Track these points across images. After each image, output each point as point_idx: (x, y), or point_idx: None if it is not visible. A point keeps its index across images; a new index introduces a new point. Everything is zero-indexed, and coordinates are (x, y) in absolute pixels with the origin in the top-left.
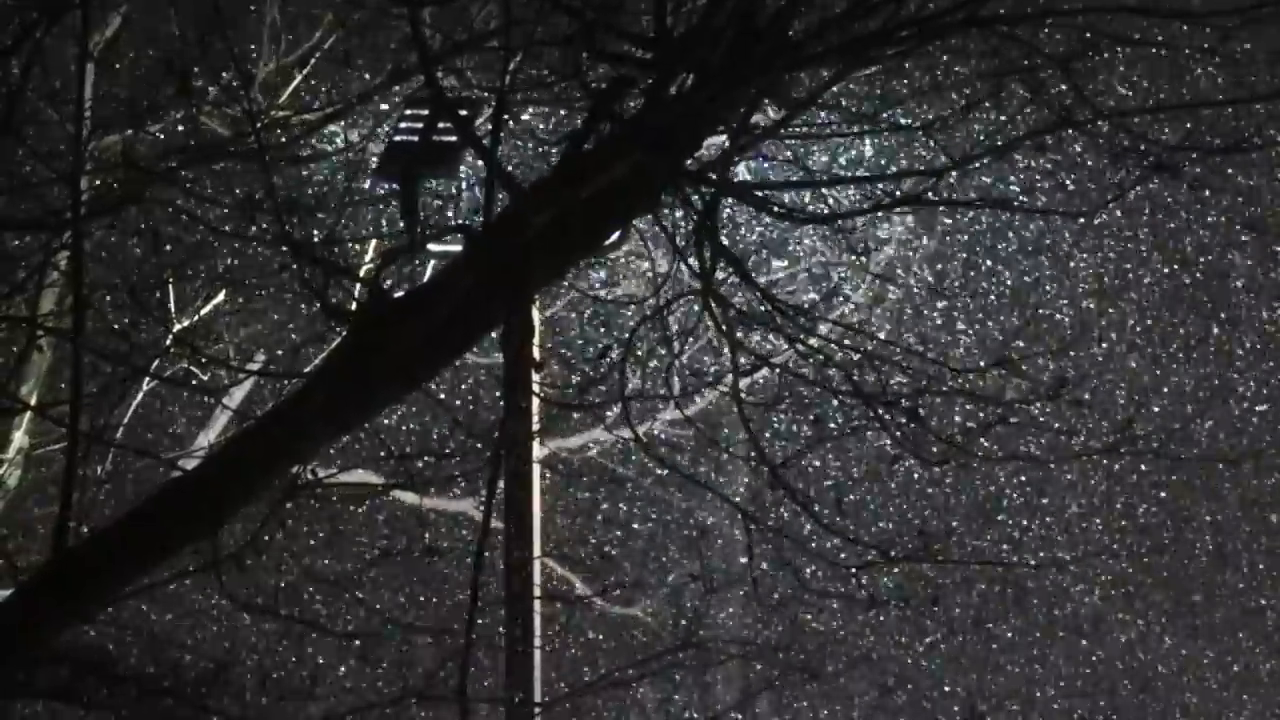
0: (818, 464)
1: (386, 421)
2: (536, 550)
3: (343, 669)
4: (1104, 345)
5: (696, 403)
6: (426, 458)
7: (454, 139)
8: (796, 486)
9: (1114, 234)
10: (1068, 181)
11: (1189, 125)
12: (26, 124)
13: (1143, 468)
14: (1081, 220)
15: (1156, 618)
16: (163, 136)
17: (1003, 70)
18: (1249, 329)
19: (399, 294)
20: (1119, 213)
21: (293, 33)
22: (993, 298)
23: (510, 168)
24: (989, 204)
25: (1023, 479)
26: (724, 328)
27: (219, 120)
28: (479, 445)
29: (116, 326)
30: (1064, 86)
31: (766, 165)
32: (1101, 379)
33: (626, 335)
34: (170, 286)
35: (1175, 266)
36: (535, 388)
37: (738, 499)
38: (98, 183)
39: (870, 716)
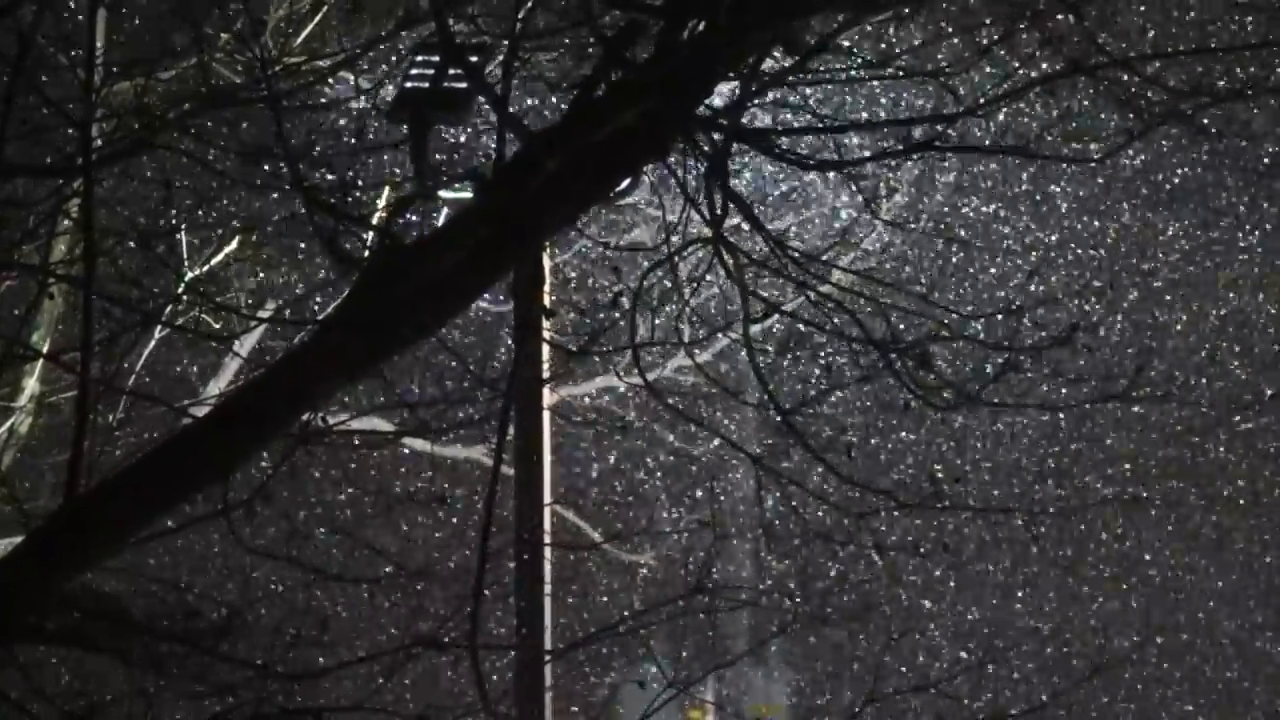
0: (828, 410)
1: (397, 368)
2: (547, 497)
3: (354, 616)
4: (1115, 291)
5: (707, 350)
6: (438, 405)
7: (465, 85)
8: (807, 433)
9: (1128, 179)
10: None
11: (1203, 68)
12: (38, 70)
13: (1156, 414)
14: (1093, 166)
15: (1167, 563)
16: (174, 83)
17: (1014, 15)
18: (1264, 274)
19: (410, 241)
20: (1134, 158)
21: None
22: (1005, 243)
23: (521, 114)
24: (1000, 150)
25: (1034, 426)
26: (735, 274)
27: (230, 67)
28: (490, 392)
29: (128, 274)
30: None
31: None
32: (1114, 325)
33: (637, 282)
34: (182, 234)
35: (1190, 211)
36: (545, 335)
37: (748, 445)
38: (109, 129)
39: (880, 663)
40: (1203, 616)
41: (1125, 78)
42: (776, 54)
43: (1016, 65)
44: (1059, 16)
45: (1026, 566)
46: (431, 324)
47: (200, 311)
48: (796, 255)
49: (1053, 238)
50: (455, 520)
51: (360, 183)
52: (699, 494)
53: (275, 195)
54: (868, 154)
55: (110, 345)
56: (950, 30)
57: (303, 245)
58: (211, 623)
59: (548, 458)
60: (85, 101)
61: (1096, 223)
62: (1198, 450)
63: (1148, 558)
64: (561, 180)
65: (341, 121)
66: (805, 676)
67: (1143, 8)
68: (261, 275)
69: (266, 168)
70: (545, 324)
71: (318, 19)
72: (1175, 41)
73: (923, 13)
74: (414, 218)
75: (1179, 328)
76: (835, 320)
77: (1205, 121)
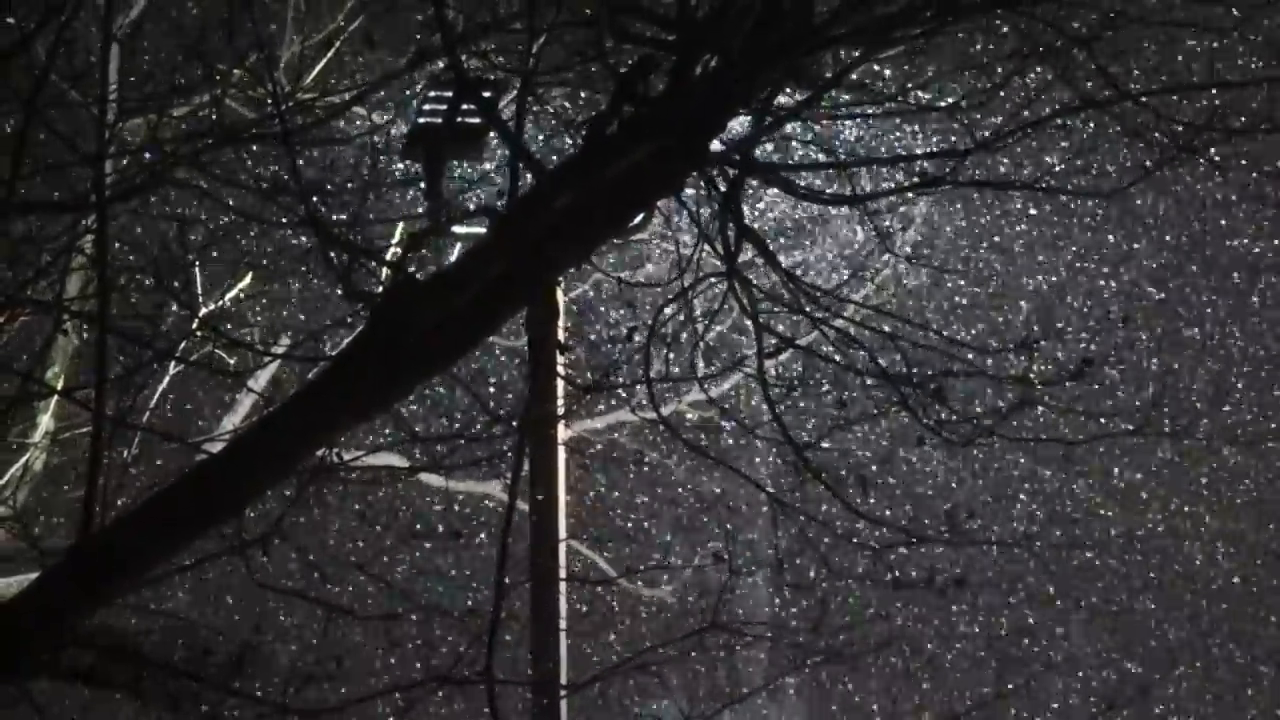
0: (843, 445)
1: (412, 404)
2: (562, 532)
3: (369, 652)
4: (1128, 326)
5: (721, 385)
6: (452, 440)
7: (478, 121)
8: (821, 468)
9: (1141, 214)
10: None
11: (1215, 104)
12: (51, 107)
13: (1167, 450)
14: (1106, 201)
15: (1181, 599)
16: (188, 119)
17: (1027, 50)
18: (1276, 310)
19: (423, 277)
20: (1144, 194)
21: (316, 15)
22: (1019, 279)
23: (534, 150)
24: (1012, 185)
25: (1047, 461)
26: (748, 309)
27: (243, 103)
28: (504, 428)
29: (142, 310)
30: (1089, 63)
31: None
32: (1127, 360)
33: (651, 317)
34: (195, 270)
35: (1202, 246)
36: (560, 370)
37: (763, 480)
38: (123, 165)
39: (896, 697)
40: (1218, 650)
41: (1138, 112)
42: (789, 89)
43: (1029, 100)
44: (1075, 51)
45: (1041, 600)
46: (446, 360)
47: (214, 347)
48: (810, 290)
49: (1068, 271)
50: (470, 556)
51: (373, 218)
52: (714, 529)
53: (288, 231)
54: (881, 189)
55: (124, 381)
56: (963, 65)
57: (313, 280)
58: (226, 659)
59: (562, 493)
60: (99, 138)
61: (1112, 256)
62: (1212, 484)
63: (1162, 592)
64: (575, 215)
65: (352, 160)
66: (821, 712)
67: (1152, 47)
68: (274, 311)
69: (280, 203)
70: (560, 359)
71: (330, 54)
72: (1188, 76)
73: (935, 48)
74: (427, 253)
75: (1194, 362)
76: (850, 354)
77: (1218, 156)
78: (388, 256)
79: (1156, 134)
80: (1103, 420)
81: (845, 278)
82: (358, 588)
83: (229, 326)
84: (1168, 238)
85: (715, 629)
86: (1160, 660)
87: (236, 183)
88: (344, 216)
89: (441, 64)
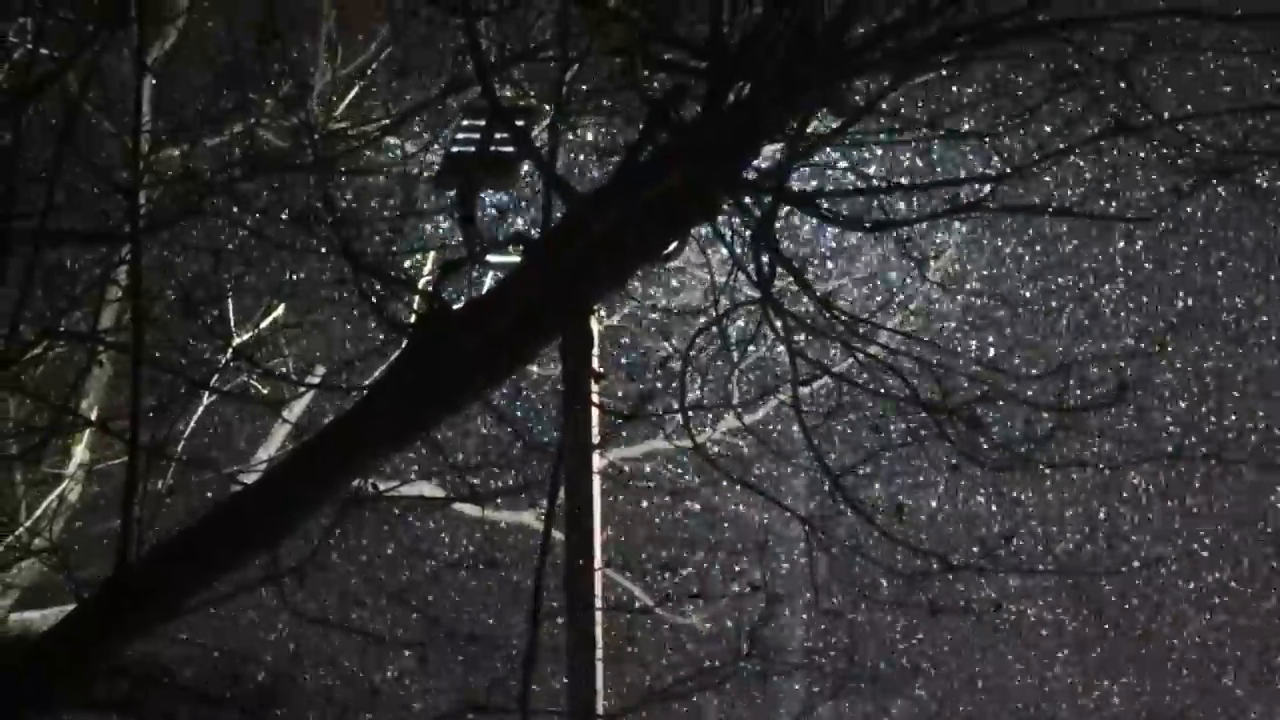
0: (878, 472)
1: (446, 434)
2: (597, 560)
3: (405, 680)
4: (1165, 352)
5: (756, 412)
6: (487, 470)
7: (511, 149)
8: (857, 495)
9: (1174, 239)
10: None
11: (1247, 127)
12: (85, 138)
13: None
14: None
15: (1219, 623)
16: (221, 149)
17: (1060, 76)
18: None
19: (458, 305)
20: (1183, 219)
21: (349, 44)
22: (1053, 304)
23: (567, 178)
24: (1047, 210)
25: (1084, 486)
26: (783, 336)
27: (277, 133)
28: (539, 457)
29: (176, 340)
30: (1121, 88)
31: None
32: (1163, 386)
33: (686, 345)
34: (229, 300)
35: (1237, 271)
36: (595, 398)
37: (798, 507)
38: (156, 196)
39: None
40: (1260, 680)
41: (1170, 135)
42: (822, 116)
43: (1061, 125)
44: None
45: (1076, 626)
46: (481, 388)
47: (248, 377)
48: (844, 317)
49: (1103, 296)
50: (507, 584)
51: (407, 247)
52: (750, 556)
53: (322, 260)
54: (915, 215)
55: (159, 412)
56: (996, 91)
57: (347, 310)
58: (260, 688)
59: (598, 521)
60: (133, 168)
61: (1146, 280)
62: (1252, 510)
63: (1200, 618)
64: (609, 243)
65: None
66: None
67: (1188, 73)
68: (308, 340)
69: (314, 232)
70: (594, 387)
71: (362, 83)
72: (1219, 100)
73: (967, 75)
74: (462, 282)
75: (1231, 385)
76: (884, 380)
77: (1257, 180)
78: (421, 285)
79: (1188, 155)
80: (1139, 442)
81: (879, 304)
82: (393, 617)
83: (263, 357)
84: (1202, 261)
85: (752, 657)
86: (1196, 686)
87: (270, 212)
88: (377, 244)
89: (475, 93)
